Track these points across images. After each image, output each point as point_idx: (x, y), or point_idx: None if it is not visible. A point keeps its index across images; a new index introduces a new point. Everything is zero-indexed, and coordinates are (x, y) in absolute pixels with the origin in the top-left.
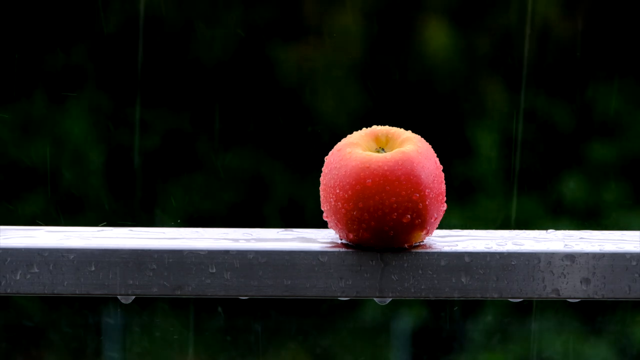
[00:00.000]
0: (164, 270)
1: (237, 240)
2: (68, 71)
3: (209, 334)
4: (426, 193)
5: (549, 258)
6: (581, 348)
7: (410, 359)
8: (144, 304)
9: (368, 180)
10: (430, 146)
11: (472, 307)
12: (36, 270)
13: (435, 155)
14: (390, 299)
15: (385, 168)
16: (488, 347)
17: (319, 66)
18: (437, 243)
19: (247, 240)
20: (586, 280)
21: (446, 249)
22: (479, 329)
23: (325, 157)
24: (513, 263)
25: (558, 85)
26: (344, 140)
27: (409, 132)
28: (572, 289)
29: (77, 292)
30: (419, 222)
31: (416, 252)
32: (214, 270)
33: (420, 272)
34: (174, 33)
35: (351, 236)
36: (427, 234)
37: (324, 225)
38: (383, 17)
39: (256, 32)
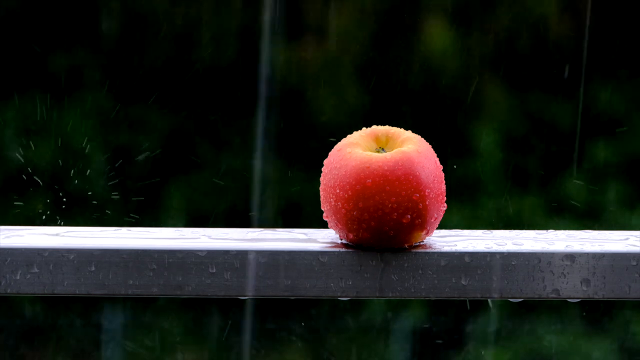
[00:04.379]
0: (164, 270)
1: (237, 240)
2: (69, 70)
3: (209, 333)
4: (426, 193)
5: (549, 258)
6: (582, 347)
7: (410, 359)
8: (144, 304)
9: (368, 180)
10: (430, 146)
11: (472, 307)
12: (36, 270)
13: (435, 155)
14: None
15: (385, 168)
16: (488, 346)
17: (319, 66)
18: (437, 243)
19: (247, 240)
20: (586, 280)
21: (446, 249)
22: (479, 328)
23: (325, 158)
24: (513, 263)
25: (558, 85)
26: (344, 140)
27: (409, 132)
28: (572, 289)
29: (77, 292)
30: (419, 222)
31: (416, 252)
32: (214, 270)
33: (420, 272)
34: (175, 33)
35: (351, 236)
36: (427, 234)
37: (324, 225)
38: (383, 16)
39: (255, 32)
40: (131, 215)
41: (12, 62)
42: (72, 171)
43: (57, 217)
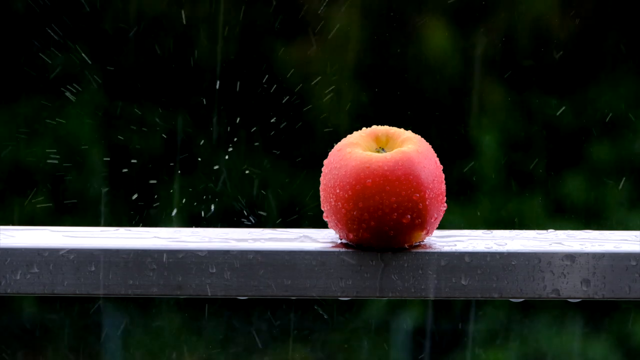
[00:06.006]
0: (164, 270)
1: (237, 240)
2: (69, 70)
3: (209, 333)
4: (426, 193)
5: (549, 258)
6: (582, 347)
7: (410, 359)
8: (144, 303)
9: (368, 180)
10: (430, 146)
11: (472, 307)
12: (36, 270)
13: (435, 155)
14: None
15: (386, 168)
16: (488, 346)
17: (319, 66)
18: (437, 243)
19: (247, 240)
20: (586, 280)
21: (446, 249)
22: (479, 328)
23: (325, 157)
24: (513, 263)
25: (558, 85)
26: (344, 140)
27: (409, 132)
28: (572, 289)
29: (77, 292)
30: (419, 222)
31: (416, 252)
32: (214, 270)
33: (420, 272)
34: (174, 32)
35: (351, 236)
36: (427, 234)
37: (324, 225)
38: (383, 16)
39: (255, 32)
40: (131, 215)
41: (11, 61)
42: (72, 171)
43: (57, 217)
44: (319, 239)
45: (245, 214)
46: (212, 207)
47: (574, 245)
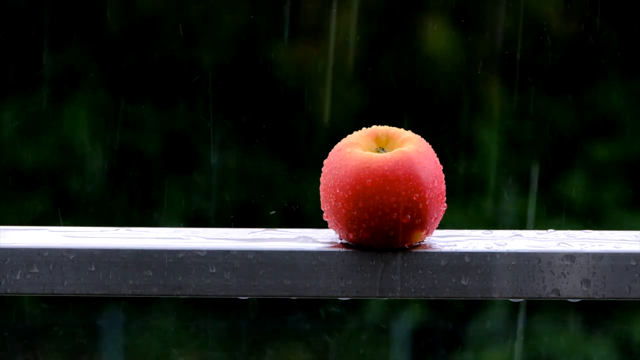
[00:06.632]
0: (164, 270)
1: (237, 240)
2: (69, 71)
3: (209, 333)
4: (426, 193)
5: (549, 258)
6: (582, 347)
7: (410, 359)
8: (144, 303)
9: (368, 180)
10: (430, 146)
11: (472, 307)
12: (36, 270)
13: (435, 155)
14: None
15: (385, 168)
16: (488, 346)
17: (319, 66)
18: (437, 243)
19: (247, 240)
20: (586, 280)
21: (446, 249)
22: (479, 328)
23: (325, 157)
24: (513, 263)
25: (558, 84)
26: (344, 140)
27: (409, 132)
28: (572, 289)
29: (77, 292)
30: (419, 222)
31: (416, 252)
32: (214, 270)
33: (420, 272)
34: (174, 33)
35: (351, 236)
36: (427, 234)
37: (324, 225)
38: (383, 17)
39: (255, 32)
40: (131, 215)
41: (11, 60)
42: (72, 171)
43: (57, 217)
44: (319, 239)
45: (245, 213)
46: (212, 207)
47: (574, 245)
